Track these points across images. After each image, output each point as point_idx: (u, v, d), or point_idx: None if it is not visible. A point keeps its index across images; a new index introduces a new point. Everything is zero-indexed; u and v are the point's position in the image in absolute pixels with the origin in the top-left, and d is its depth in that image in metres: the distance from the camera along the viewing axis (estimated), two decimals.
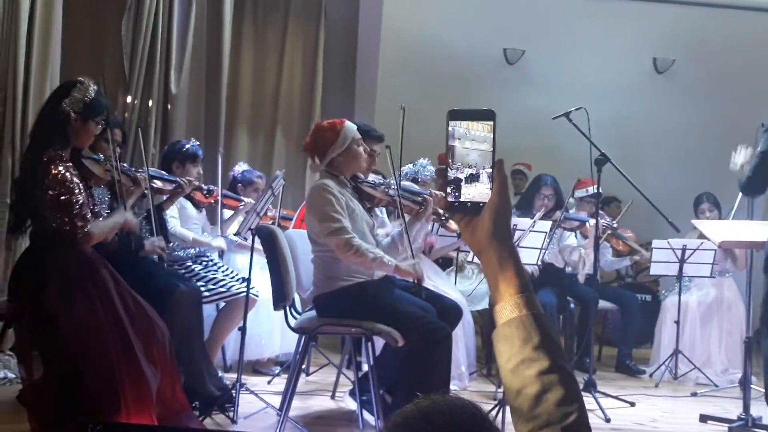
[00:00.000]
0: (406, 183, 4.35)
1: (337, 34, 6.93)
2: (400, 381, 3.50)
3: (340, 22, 6.92)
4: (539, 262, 4.90)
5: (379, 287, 3.55)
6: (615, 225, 5.57)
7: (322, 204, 3.45)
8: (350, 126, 3.68)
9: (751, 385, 4.33)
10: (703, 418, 4.42)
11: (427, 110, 7.87)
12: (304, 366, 4.99)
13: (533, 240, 4.74)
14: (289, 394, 3.52)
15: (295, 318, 3.67)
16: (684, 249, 5.54)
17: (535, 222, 4.59)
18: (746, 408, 4.27)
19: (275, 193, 4.03)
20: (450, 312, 3.82)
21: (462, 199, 1.11)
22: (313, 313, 3.62)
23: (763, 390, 4.14)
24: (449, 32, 7.65)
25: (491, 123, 1.12)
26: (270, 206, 4.41)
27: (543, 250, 4.87)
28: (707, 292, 5.86)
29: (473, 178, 1.11)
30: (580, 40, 7.74)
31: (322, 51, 6.58)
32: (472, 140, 1.11)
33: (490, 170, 1.11)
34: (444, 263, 6.51)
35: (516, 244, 4.57)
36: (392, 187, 3.85)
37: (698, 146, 7.75)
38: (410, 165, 4.86)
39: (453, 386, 4.69)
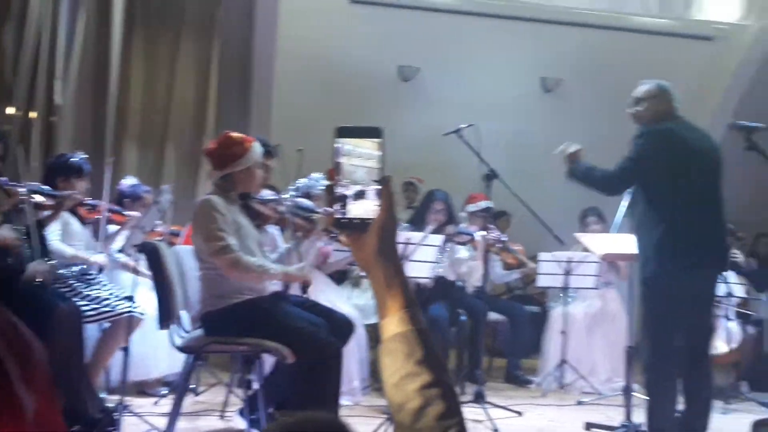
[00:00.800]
0: (299, 199, 4.33)
1: (232, 47, 6.86)
2: (291, 398, 3.47)
3: (235, 35, 6.86)
4: (431, 276, 4.96)
5: (268, 304, 3.51)
6: (504, 239, 5.71)
7: (207, 222, 3.39)
8: (258, 148, 3.65)
9: (633, 393, 4.51)
10: (588, 426, 4.56)
11: (323, 124, 7.84)
12: (193, 386, 4.90)
13: (425, 254, 4.80)
14: (174, 415, 3.43)
15: (182, 337, 3.58)
16: (569, 261, 5.73)
17: (426, 236, 4.64)
18: (628, 415, 4.44)
19: (162, 208, 3.93)
20: (342, 327, 3.80)
21: (349, 216, 1.11)
22: (200, 331, 3.55)
23: (645, 398, 4.31)
24: (345, 48, 7.68)
25: (379, 140, 1.12)
26: (159, 221, 4.31)
27: (435, 264, 4.94)
28: (592, 303, 6.08)
29: (360, 195, 1.11)
30: (473, 58, 7.90)
31: (217, 64, 6.50)
32: (359, 157, 1.12)
33: (377, 187, 1.11)
34: (340, 277, 6.52)
35: (408, 257, 4.62)
36: (283, 203, 3.83)
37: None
38: (304, 179, 4.84)
39: (345, 401, 4.70)
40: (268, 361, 3.83)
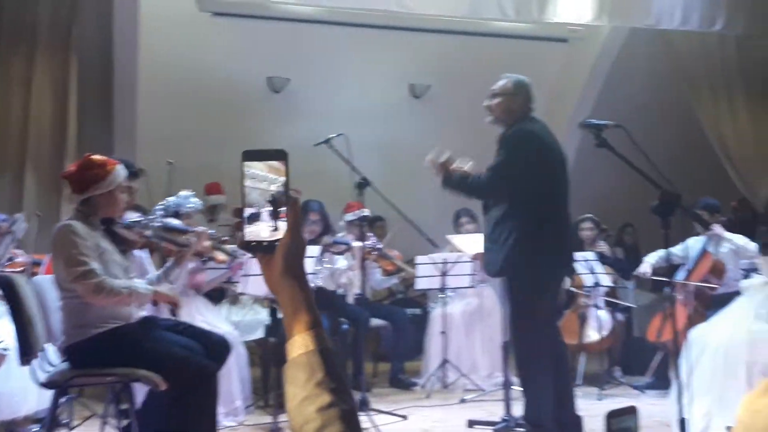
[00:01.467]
0: (168, 219, 4.20)
1: (91, 64, 6.59)
2: (167, 426, 3.37)
3: (94, 51, 6.59)
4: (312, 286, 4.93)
5: (136, 331, 3.39)
6: (379, 246, 5.76)
7: (67, 247, 3.24)
8: (121, 171, 3.50)
9: (512, 387, 4.64)
10: (471, 424, 4.66)
11: (192, 140, 7.76)
12: (66, 420, 4.67)
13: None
14: None
15: (46, 371, 3.41)
16: (445, 262, 5.84)
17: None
18: (508, 409, 4.56)
19: (16, 238, 3.74)
20: (218, 348, 3.72)
21: (246, 238, 1.13)
22: (66, 364, 3.38)
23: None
24: (211, 61, 7.55)
25: (283, 162, 1.14)
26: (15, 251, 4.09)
27: (313, 275, 4.92)
28: (469, 301, 6.22)
29: (255, 217, 1.13)
30: (342, 68, 7.93)
31: (75, 82, 6.22)
32: (254, 179, 1.14)
33: (270, 209, 1.12)
34: (218, 295, 6.39)
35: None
36: (150, 226, 3.71)
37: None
38: (172, 198, 4.70)
39: (228, 422, 4.61)
40: (143, 390, 3.71)
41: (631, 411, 1.75)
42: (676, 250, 5.64)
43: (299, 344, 1.08)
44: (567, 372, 4.09)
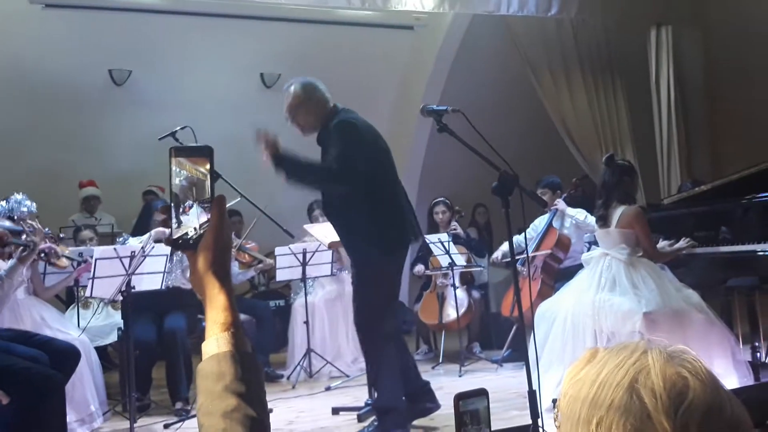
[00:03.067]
0: (6, 223, 3.97)
1: None
2: None
3: None
4: (164, 286, 4.80)
5: None
6: (234, 242, 5.68)
7: None
8: None
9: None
10: (335, 411, 4.69)
11: (32, 138, 7.35)
12: None
13: (154, 265, 4.63)
14: None
15: None
16: (304, 252, 5.83)
17: (143, 248, 4.48)
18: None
19: None
20: (65, 355, 3.59)
21: (175, 235, 1.11)
22: None
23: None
24: (51, 54, 7.17)
25: (207, 158, 1.13)
26: None
27: (166, 274, 4.78)
28: (330, 289, 6.25)
29: (181, 212, 1.12)
30: (189, 58, 7.74)
31: None
32: (182, 176, 1.12)
33: (194, 204, 1.11)
34: (68, 301, 6.12)
35: (133, 271, 4.43)
36: None
37: (310, 155, 8.17)
38: (3, 202, 4.43)
39: (82, 430, 4.42)
40: None
41: (481, 393, 1.76)
42: (529, 230, 5.89)
43: (213, 345, 1.05)
44: (404, 346, 4.16)
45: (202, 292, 1.10)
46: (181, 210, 1.12)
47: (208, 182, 1.14)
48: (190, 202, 1.13)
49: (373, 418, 4.12)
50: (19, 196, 4.41)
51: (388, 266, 3.95)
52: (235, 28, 7.77)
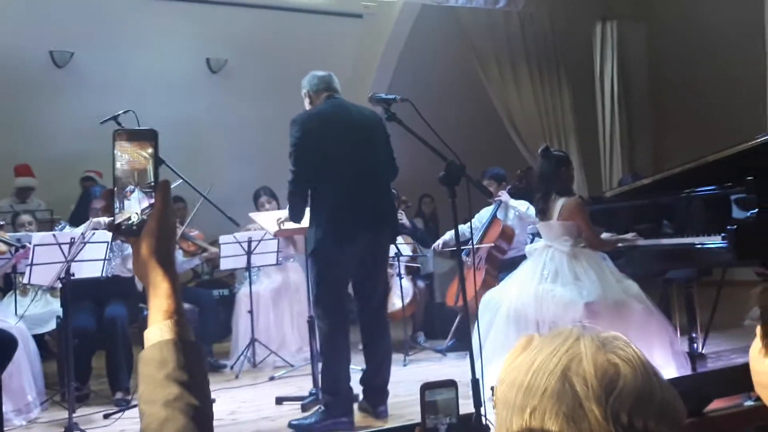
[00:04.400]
0: None
1: None
2: None
3: None
4: (104, 274, 4.70)
5: None
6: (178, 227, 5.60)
7: None
8: None
9: (320, 360, 4.68)
10: (279, 401, 4.67)
11: None
12: None
13: (94, 252, 4.53)
14: None
15: None
16: (250, 241, 5.77)
17: (83, 234, 4.38)
18: (316, 382, 4.61)
19: None
20: (3, 344, 3.49)
21: (117, 220, 1.09)
22: None
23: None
24: None
25: (151, 142, 1.10)
26: None
27: (106, 261, 4.68)
28: (275, 278, 6.21)
29: (124, 197, 1.09)
30: (134, 41, 7.58)
31: None
32: (122, 160, 1.09)
33: (135, 189, 1.09)
34: (5, 288, 5.96)
35: (73, 258, 4.32)
36: None
37: (257, 142, 8.13)
38: None
39: (18, 421, 4.32)
40: None
41: (449, 384, 1.69)
42: (475, 220, 5.94)
43: (156, 333, 1.02)
44: (386, 341, 4.21)
45: (145, 279, 1.07)
46: (123, 195, 1.10)
47: (151, 166, 1.11)
48: (132, 187, 1.10)
49: (318, 406, 4.13)
50: None
51: (329, 257, 3.98)
52: (182, 11, 7.65)
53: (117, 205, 1.10)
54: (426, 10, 7.60)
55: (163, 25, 7.61)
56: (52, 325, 5.26)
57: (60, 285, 4.43)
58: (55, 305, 5.29)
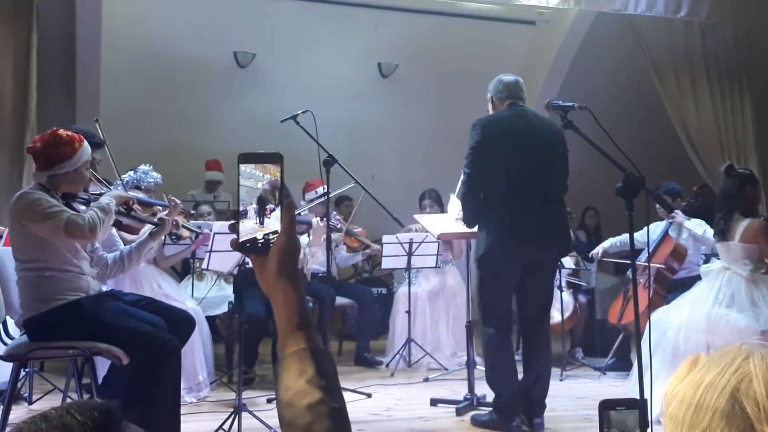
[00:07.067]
0: (135, 193, 4.12)
1: (53, 36, 6.46)
2: (129, 400, 3.33)
3: (56, 23, 6.47)
4: None
5: (97, 304, 3.33)
6: (340, 226, 5.76)
7: (32, 206, 3.16)
8: (87, 148, 3.40)
9: (475, 367, 4.69)
10: (434, 402, 4.69)
11: (155, 115, 7.66)
12: (26, 394, 4.61)
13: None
14: (2, 427, 3.20)
15: (6, 344, 3.35)
16: (411, 242, 5.85)
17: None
18: (471, 388, 4.61)
19: None
20: (181, 323, 3.70)
21: (241, 239, 1.13)
22: (26, 337, 3.32)
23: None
24: (178, 35, 7.43)
25: (278, 165, 1.16)
26: None
27: None
28: (433, 281, 6.25)
29: (242, 215, 1.14)
30: (310, 44, 7.86)
31: (36, 54, 6.09)
32: (248, 179, 1.15)
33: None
34: (183, 272, 6.34)
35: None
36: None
37: (423, 145, 8.24)
38: (131, 172, 4.63)
39: (190, 398, 4.59)
40: (104, 365, 3.67)
41: (631, 403, 1.58)
42: (638, 235, 5.69)
43: (292, 342, 1.10)
44: (547, 353, 4.19)
45: (273, 293, 1.13)
46: (246, 211, 1.14)
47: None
48: (272, 206, 1.15)
49: (476, 411, 4.21)
50: (146, 167, 4.60)
51: (496, 267, 4.01)
52: (355, 16, 7.85)
53: (257, 220, 1.14)
54: (601, 17, 7.40)
55: (338, 30, 7.84)
56: (223, 309, 5.55)
57: (235, 272, 4.67)
58: (228, 290, 5.59)
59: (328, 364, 1.09)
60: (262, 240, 1.13)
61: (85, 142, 3.41)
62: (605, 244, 5.90)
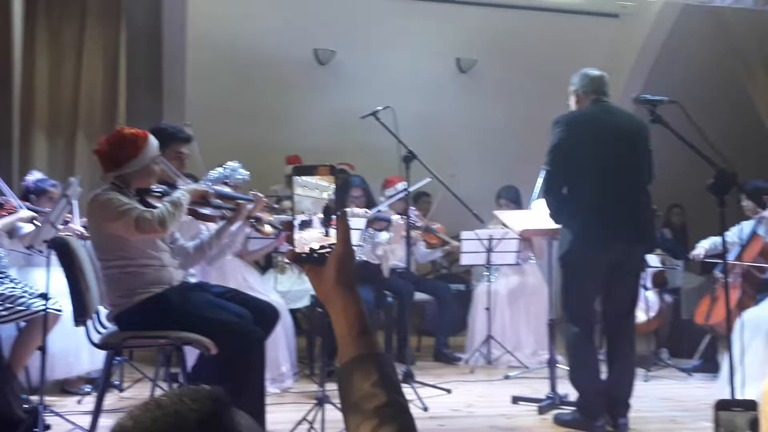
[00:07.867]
0: (217, 187, 4.21)
1: (141, 34, 6.68)
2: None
3: (143, 21, 6.69)
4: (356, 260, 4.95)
5: (183, 295, 3.41)
6: (419, 224, 5.75)
7: (104, 207, 3.23)
8: (153, 142, 3.41)
9: (557, 365, 4.62)
10: (515, 400, 4.65)
11: (238, 111, 7.81)
12: (117, 382, 4.78)
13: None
14: (96, 413, 3.32)
15: (99, 333, 3.47)
16: (491, 239, 5.80)
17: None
18: (553, 387, 4.55)
19: (71, 201, 3.78)
20: (267, 315, 3.75)
21: (297, 250, 1.16)
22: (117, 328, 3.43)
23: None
24: (259, 33, 7.56)
25: (331, 176, 1.16)
26: (69, 216, 4.16)
27: (357, 248, 4.93)
28: (513, 278, 6.19)
29: (306, 224, 1.15)
30: (389, 40, 7.88)
31: (124, 51, 6.30)
32: (306, 187, 1.16)
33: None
34: (265, 265, 6.45)
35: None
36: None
37: (501, 141, 8.16)
38: (220, 168, 4.73)
39: (274, 389, 4.67)
40: (193, 354, 3.76)
41: (748, 405, 1.49)
42: (730, 234, 5.51)
43: (353, 348, 1.12)
44: (632, 353, 4.10)
45: (332, 302, 1.15)
46: (306, 221, 1.16)
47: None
48: (334, 216, 1.16)
49: (558, 410, 4.18)
50: (234, 164, 4.70)
51: (580, 265, 3.95)
52: (434, 11, 7.83)
53: (322, 231, 1.15)
54: (687, 10, 7.19)
55: (416, 26, 7.83)
56: (304, 302, 5.62)
57: None
58: (309, 284, 5.64)
59: (391, 367, 1.12)
60: (320, 251, 1.15)
61: (150, 138, 3.40)
62: (705, 244, 5.69)
